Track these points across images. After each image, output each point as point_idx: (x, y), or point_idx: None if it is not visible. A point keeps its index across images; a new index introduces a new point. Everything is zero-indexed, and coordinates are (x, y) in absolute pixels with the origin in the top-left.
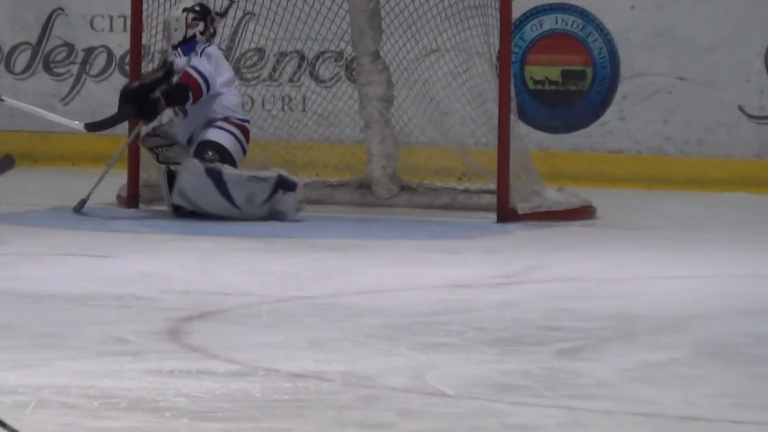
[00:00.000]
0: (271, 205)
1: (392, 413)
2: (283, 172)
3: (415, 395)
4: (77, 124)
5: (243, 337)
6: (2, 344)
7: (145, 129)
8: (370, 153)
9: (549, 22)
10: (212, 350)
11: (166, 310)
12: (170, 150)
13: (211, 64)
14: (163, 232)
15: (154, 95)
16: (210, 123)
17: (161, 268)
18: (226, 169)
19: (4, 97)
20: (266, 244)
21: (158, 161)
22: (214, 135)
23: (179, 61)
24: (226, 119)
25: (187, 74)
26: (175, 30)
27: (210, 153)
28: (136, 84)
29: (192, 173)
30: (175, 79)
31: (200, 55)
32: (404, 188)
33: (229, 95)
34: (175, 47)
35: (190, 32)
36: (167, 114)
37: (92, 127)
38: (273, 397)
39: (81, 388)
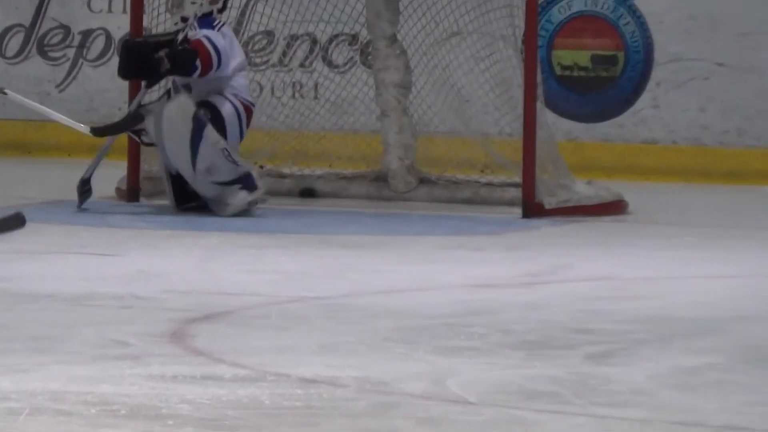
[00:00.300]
0: (222, 190)
1: (410, 421)
2: (254, 173)
3: (435, 402)
4: (83, 128)
5: (251, 340)
6: None
7: (147, 96)
8: (386, 143)
9: (578, 4)
10: (218, 354)
11: (169, 311)
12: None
13: (226, 42)
14: (165, 227)
15: (158, 54)
16: (224, 94)
17: (163, 266)
18: (210, 129)
19: (6, 90)
20: (275, 240)
21: (142, 143)
22: (215, 99)
23: (191, 32)
24: (239, 98)
25: (199, 42)
26: (192, 2)
27: (203, 111)
28: (140, 39)
29: (180, 108)
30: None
31: (218, 31)
32: (423, 181)
33: (239, 78)
34: (185, 20)
35: (209, 8)
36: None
37: (99, 131)
38: (283, 404)
39: (78, 394)
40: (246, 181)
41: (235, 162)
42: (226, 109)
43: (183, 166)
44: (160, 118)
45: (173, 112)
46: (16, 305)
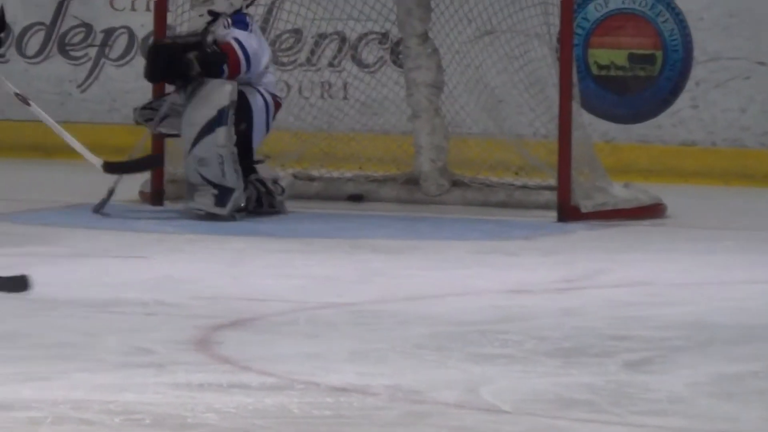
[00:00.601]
0: (201, 183)
1: (443, 431)
2: (238, 193)
3: (469, 411)
4: (96, 160)
5: (279, 347)
6: (15, 355)
7: (179, 99)
8: (418, 145)
9: (615, 1)
10: (245, 362)
11: (195, 317)
12: (163, 124)
13: (256, 42)
14: (190, 231)
15: (188, 57)
16: (257, 87)
17: (189, 271)
18: (223, 131)
19: (31, 102)
20: (303, 244)
21: (154, 131)
22: (247, 91)
23: (221, 31)
24: (271, 94)
25: (229, 46)
26: None
27: (232, 110)
28: (168, 40)
29: (221, 91)
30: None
31: (250, 32)
32: (456, 184)
33: (268, 75)
34: (214, 15)
35: (241, 3)
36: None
37: (111, 168)
38: (312, 413)
39: (101, 403)
40: (222, 194)
41: (223, 173)
42: (257, 103)
43: (187, 136)
44: (203, 84)
45: (215, 89)
46: (38, 311)
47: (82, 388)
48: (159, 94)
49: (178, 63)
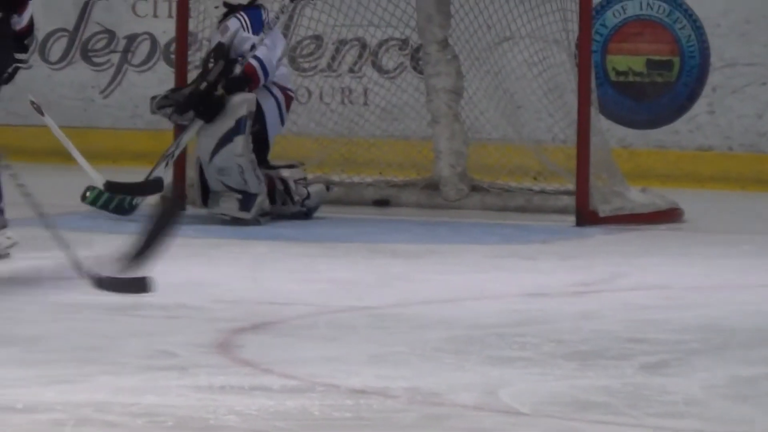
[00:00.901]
0: (224, 190)
1: None
2: (261, 197)
3: (487, 413)
4: (98, 179)
5: (299, 350)
6: (38, 358)
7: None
8: (437, 150)
9: (633, 8)
10: (266, 364)
11: (216, 320)
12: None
13: (271, 41)
14: (212, 236)
15: (217, 94)
16: (266, 86)
17: (211, 275)
18: (241, 140)
19: (45, 113)
20: (324, 249)
21: (169, 119)
22: (259, 93)
23: (234, 24)
24: (273, 83)
25: (251, 68)
26: None
27: (250, 119)
28: (203, 86)
29: (240, 102)
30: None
31: (265, 26)
32: (475, 188)
33: (281, 68)
34: (230, 7)
35: None
36: None
37: (112, 187)
38: (333, 415)
39: (124, 405)
40: (246, 199)
41: (245, 180)
42: (268, 103)
43: (204, 150)
44: (227, 100)
45: (234, 100)
46: (62, 315)
47: (105, 391)
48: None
49: (212, 104)
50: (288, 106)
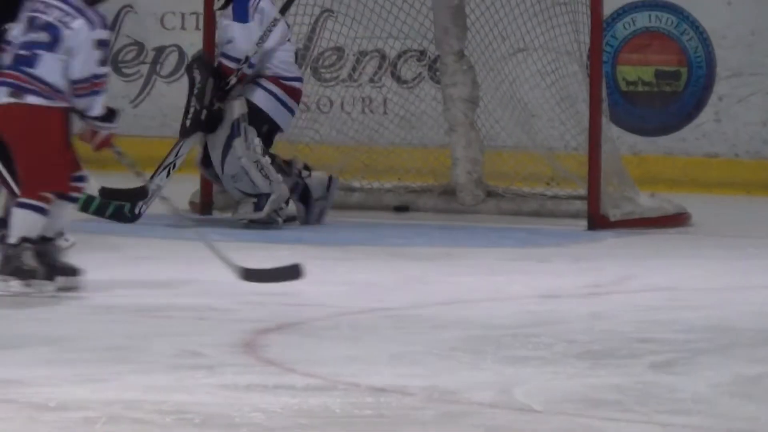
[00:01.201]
0: (241, 196)
1: (478, 430)
2: (276, 195)
3: (502, 411)
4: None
5: (322, 350)
6: (70, 358)
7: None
8: (454, 157)
9: (642, 20)
10: (290, 364)
11: (242, 321)
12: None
13: (255, 22)
14: (238, 240)
15: (216, 108)
16: (256, 80)
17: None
18: (240, 142)
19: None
20: (345, 252)
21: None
22: (254, 96)
23: (223, 22)
24: (275, 79)
25: (225, 68)
26: None
27: (243, 121)
28: (203, 114)
29: (230, 109)
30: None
31: (251, 18)
32: (490, 194)
33: (280, 53)
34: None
35: None
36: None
37: (107, 193)
38: (354, 412)
39: (153, 403)
40: (260, 200)
41: (253, 182)
42: (261, 99)
43: (216, 164)
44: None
45: (226, 109)
46: (93, 316)
47: (134, 389)
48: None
49: (214, 117)
50: (297, 98)
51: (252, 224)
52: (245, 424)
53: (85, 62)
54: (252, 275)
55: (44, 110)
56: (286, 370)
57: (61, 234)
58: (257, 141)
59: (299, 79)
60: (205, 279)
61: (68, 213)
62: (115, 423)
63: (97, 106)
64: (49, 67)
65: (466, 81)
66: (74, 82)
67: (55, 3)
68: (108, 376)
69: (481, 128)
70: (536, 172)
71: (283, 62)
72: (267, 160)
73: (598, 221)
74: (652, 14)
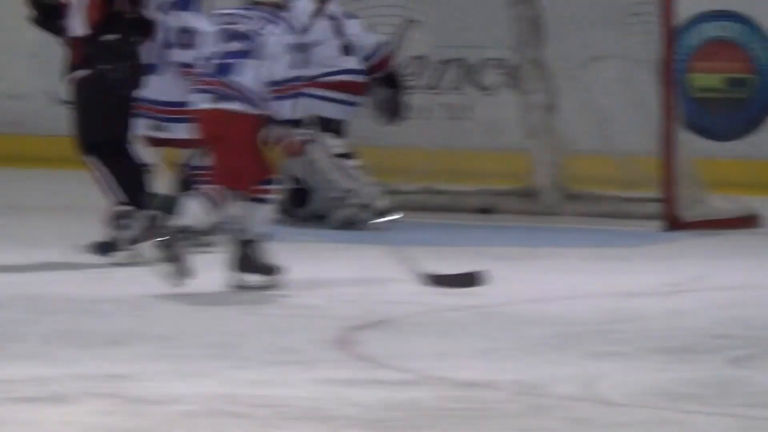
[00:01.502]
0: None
1: (563, 422)
2: (360, 193)
3: (586, 404)
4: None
5: (413, 346)
6: (171, 353)
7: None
8: (535, 161)
9: (711, 29)
10: (382, 359)
11: (335, 319)
12: None
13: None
14: (326, 241)
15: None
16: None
17: (328, 276)
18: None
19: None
20: (431, 252)
21: None
22: (315, 107)
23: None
24: (322, 85)
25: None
26: None
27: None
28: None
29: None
30: None
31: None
32: (569, 197)
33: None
34: None
35: None
36: None
37: (434, 280)
38: (444, 405)
39: (251, 397)
40: (342, 201)
41: (335, 184)
42: (327, 110)
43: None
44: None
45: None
46: (193, 314)
47: (233, 384)
48: None
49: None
50: (354, 89)
51: (340, 226)
52: (340, 417)
53: (279, 66)
54: (436, 280)
55: (242, 115)
56: (379, 366)
57: (262, 236)
58: (334, 141)
59: (349, 72)
60: (298, 278)
61: (264, 215)
62: (215, 416)
63: (288, 110)
64: (246, 74)
65: (544, 88)
66: (270, 85)
67: (245, 12)
68: (207, 372)
69: (559, 133)
70: (612, 175)
71: (319, 61)
72: (345, 161)
73: (672, 222)
74: (721, 24)
